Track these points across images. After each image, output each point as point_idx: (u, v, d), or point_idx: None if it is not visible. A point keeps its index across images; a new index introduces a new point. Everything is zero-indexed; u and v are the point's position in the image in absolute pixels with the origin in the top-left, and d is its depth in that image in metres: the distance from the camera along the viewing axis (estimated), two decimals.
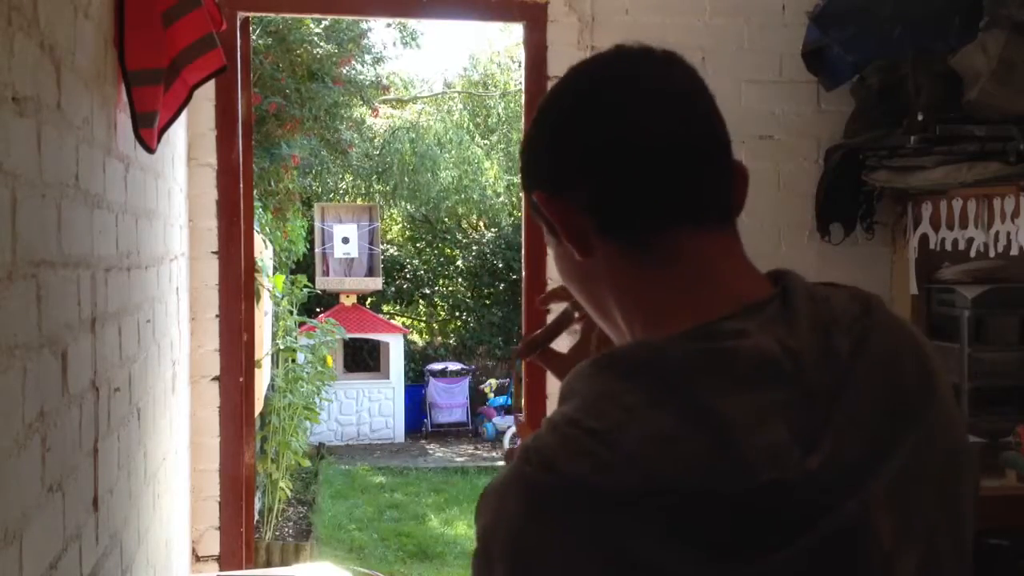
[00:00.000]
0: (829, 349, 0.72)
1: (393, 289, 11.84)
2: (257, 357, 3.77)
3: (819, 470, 0.67)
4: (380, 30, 9.36)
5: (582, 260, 0.81)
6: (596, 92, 0.81)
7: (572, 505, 0.67)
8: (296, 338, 6.77)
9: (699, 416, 0.67)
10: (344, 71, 7.92)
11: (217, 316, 2.99)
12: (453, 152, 12.58)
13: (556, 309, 1.18)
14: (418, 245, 12.50)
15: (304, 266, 9.24)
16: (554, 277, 3.09)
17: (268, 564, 5.26)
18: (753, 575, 0.66)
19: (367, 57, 8.72)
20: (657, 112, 0.79)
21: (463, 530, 7.03)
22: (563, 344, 1.21)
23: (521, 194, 3.20)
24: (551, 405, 3.10)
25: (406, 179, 12.20)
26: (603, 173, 0.79)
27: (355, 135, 9.61)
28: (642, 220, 0.79)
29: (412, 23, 10.06)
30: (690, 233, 0.78)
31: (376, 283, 10.10)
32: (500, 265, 11.47)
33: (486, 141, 12.86)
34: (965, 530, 0.77)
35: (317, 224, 9.79)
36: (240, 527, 3.01)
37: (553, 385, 3.11)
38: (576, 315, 1.17)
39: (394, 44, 9.91)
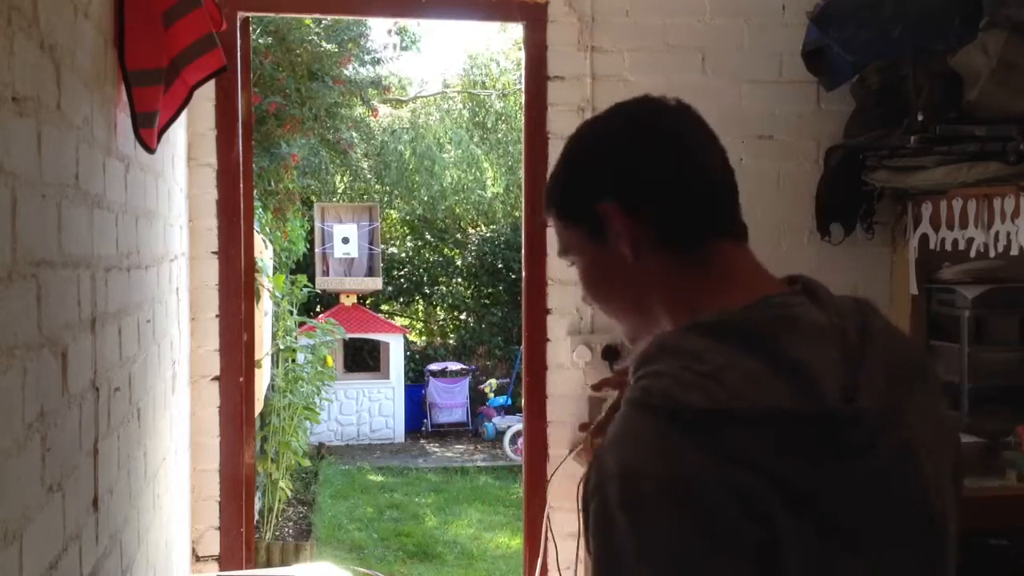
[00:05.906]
0: (845, 329, 0.93)
1: (393, 289, 11.82)
2: (257, 357, 3.77)
3: (868, 408, 0.88)
4: (378, 34, 9.33)
5: (632, 264, 1.00)
6: (666, 127, 1.03)
7: (695, 425, 0.84)
8: (296, 338, 6.76)
9: (784, 362, 0.87)
10: (344, 71, 7.92)
11: (217, 316, 3.00)
12: (452, 152, 12.57)
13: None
14: (418, 245, 12.49)
15: (304, 266, 9.23)
16: (554, 277, 3.09)
17: (268, 564, 5.26)
18: (844, 472, 0.85)
19: (366, 57, 8.71)
20: (711, 150, 1.03)
21: (463, 530, 7.03)
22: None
23: (520, 193, 3.19)
24: (551, 405, 3.10)
25: (405, 179, 12.19)
26: (677, 193, 1.00)
27: (355, 135, 9.59)
28: (698, 234, 1.00)
29: (411, 26, 10.06)
30: (726, 245, 1.01)
31: (376, 283, 10.07)
32: (500, 265, 11.45)
33: (485, 141, 12.84)
34: (956, 492, 0.97)
35: (317, 224, 9.78)
36: (240, 527, 3.02)
37: (553, 385, 3.11)
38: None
39: (394, 47, 9.88)
